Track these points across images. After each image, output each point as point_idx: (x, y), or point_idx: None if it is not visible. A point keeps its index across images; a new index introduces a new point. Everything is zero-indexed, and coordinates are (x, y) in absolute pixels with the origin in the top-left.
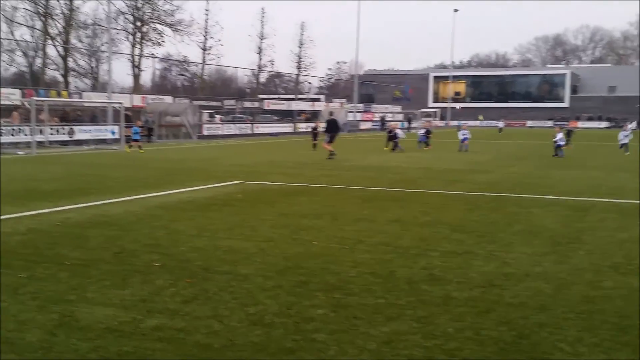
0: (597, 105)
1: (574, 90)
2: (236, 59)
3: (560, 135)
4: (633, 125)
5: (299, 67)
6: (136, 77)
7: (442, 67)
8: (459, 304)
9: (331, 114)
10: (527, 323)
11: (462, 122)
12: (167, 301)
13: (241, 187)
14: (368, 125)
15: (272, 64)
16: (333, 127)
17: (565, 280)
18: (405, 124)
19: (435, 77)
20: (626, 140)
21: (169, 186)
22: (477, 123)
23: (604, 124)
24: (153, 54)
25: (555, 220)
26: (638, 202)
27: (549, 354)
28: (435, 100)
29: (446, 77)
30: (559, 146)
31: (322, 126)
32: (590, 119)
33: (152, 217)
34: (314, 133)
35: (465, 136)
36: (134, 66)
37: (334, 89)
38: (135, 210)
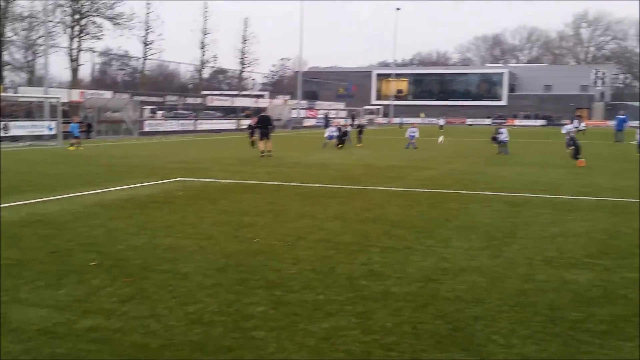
0: (534, 103)
1: (512, 89)
2: (179, 54)
3: (504, 131)
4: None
5: (242, 63)
6: (74, 71)
7: (385, 65)
8: (398, 298)
9: (264, 109)
10: (463, 316)
11: (412, 120)
12: (103, 301)
13: (182, 184)
14: (312, 122)
15: (215, 60)
16: (263, 124)
17: (500, 274)
18: (349, 121)
19: (378, 74)
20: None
21: (108, 184)
22: (418, 120)
23: (540, 122)
24: (92, 48)
25: (491, 215)
26: (638, 201)
27: (482, 346)
28: (378, 98)
29: (389, 75)
30: (503, 142)
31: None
32: (527, 117)
33: (89, 215)
34: (251, 130)
35: (413, 134)
36: (72, 60)
37: (278, 85)
38: (71, 209)
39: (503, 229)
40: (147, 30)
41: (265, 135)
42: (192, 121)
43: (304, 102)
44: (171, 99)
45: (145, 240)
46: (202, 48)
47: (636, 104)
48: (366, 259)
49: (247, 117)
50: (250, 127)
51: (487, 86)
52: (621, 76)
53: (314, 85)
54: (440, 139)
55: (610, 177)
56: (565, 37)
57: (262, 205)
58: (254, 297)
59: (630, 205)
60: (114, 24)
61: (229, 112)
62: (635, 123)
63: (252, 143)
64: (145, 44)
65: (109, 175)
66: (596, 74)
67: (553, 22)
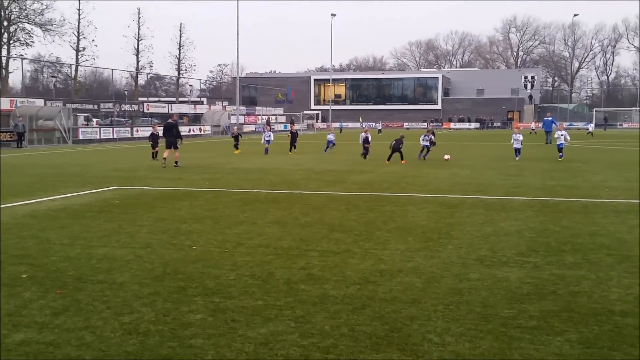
0: (467, 107)
1: (446, 92)
2: (113, 60)
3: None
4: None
5: (179, 70)
6: (3, 79)
7: (323, 70)
8: (336, 301)
9: (171, 116)
10: (399, 317)
11: (351, 125)
12: (35, 314)
13: (118, 192)
14: (251, 127)
15: (151, 66)
16: (167, 132)
17: (435, 274)
18: (288, 126)
19: (316, 80)
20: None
21: (40, 193)
22: (357, 125)
23: (473, 125)
24: (22, 55)
25: (427, 217)
26: (637, 201)
27: (418, 345)
28: (317, 103)
29: (327, 80)
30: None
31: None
32: (461, 120)
33: (20, 226)
34: (153, 139)
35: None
36: (0, 68)
37: (216, 91)
38: (1, 220)
39: (438, 230)
40: (78, 36)
41: (170, 144)
42: (128, 128)
43: (242, 108)
44: (106, 106)
45: (79, 250)
46: (137, 54)
47: (565, 106)
48: (305, 263)
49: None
50: (152, 135)
51: (423, 90)
52: (550, 79)
53: (252, 91)
54: (447, 156)
55: (539, 178)
56: (495, 42)
57: (200, 212)
58: (192, 305)
59: (559, 204)
60: (44, 31)
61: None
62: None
63: (154, 154)
64: (78, 50)
65: (42, 185)
66: (525, 77)
67: (484, 28)
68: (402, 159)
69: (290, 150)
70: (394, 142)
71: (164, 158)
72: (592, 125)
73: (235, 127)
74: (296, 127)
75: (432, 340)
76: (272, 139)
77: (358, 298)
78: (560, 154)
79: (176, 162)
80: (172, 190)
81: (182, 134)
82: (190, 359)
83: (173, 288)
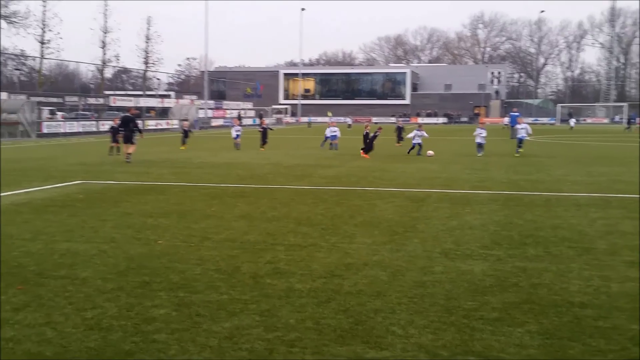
0: (435, 102)
1: (414, 88)
2: (79, 53)
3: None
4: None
5: (146, 63)
6: None
7: (292, 64)
8: (302, 295)
9: (129, 109)
10: (364, 310)
11: (320, 119)
12: None
13: (83, 187)
14: (220, 122)
15: (118, 59)
16: (124, 126)
17: (401, 267)
18: (257, 120)
19: (286, 74)
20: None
21: (3, 188)
22: (326, 119)
23: (441, 120)
24: None
25: (394, 211)
26: (638, 197)
27: (382, 338)
28: (286, 97)
29: (296, 75)
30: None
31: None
32: (429, 115)
33: None
34: (113, 132)
35: (334, 133)
36: None
37: (184, 85)
38: None
39: (405, 224)
40: (43, 29)
41: (127, 139)
42: (94, 122)
43: (211, 102)
44: (71, 99)
45: (41, 245)
46: (103, 47)
47: (530, 101)
48: (271, 257)
49: (137, 116)
50: (112, 129)
51: (391, 85)
52: (516, 75)
53: (221, 85)
54: (430, 152)
55: (504, 172)
56: (463, 37)
57: (166, 206)
58: (156, 300)
59: (523, 198)
60: (9, 23)
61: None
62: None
63: (111, 148)
64: (42, 43)
65: (4, 179)
66: (492, 73)
67: (452, 23)
68: (367, 152)
69: (262, 147)
70: (370, 135)
71: (128, 154)
72: (574, 120)
73: (186, 123)
74: (266, 121)
75: (396, 332)
76: (241, 133)
77: (324, 291)
78: (519, 147)
79: (127, 156)
80: (138, 185)
81: (147, 127)
82: (153, 354)
83: (137, 283)
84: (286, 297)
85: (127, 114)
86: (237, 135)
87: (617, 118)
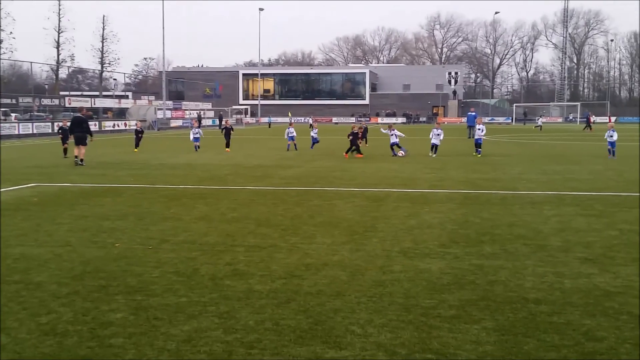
0: (394, 102)
1: (373, 88)
2: (32, 53)
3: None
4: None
5: (102, 63)
6: None
7: (252, 65)
8: (261, 296)
9: (80, 110)
10: (324, 310)
11: (280, 120)
12: None
13: (37, 189)
14: (179, 122)
15: (73, 59)
16: (76, 127)
17: (360, 266)
18: (217, 121)
19: (245, 74)
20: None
21: None
22: (286, 120)
23: (400, 120)
24: None
25: (354, 210)
26: (553, 193)
27: (341, 337)
28: (246, 98)
29: (255, 75)
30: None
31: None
32: (388, 115)
33: None
34: (62, 134)
35: (292, 134)
36: None
37: (142, 85)
38: None
39: (364, 224)
40: None
41: (78, 140)
42: (49, 123)
43: (169, 102)
44: (25, 100)
45: None
46: (58, 47)
47: (487, 101)
48: (231, 259)
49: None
50: (61, 130)
51: (351, 85)
52: (473, 75)
53: (179, 85)
54: (402, 152)
55: (462, 171)
56: (420, 38)
57: (124, 208)
58: (112, 304)
59: (480, 197)
60: None
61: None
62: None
63: (65, 150)
64: None
65: None
66: (450, 73)
67: (409, 24)
68: (359, 151)
69: (227, 147)
70: (351, 135)
71: (76, 156)
72: (542, 119)
73: (139, 123)
74: (230, 122)
75: (355, 331)
76: (201, 135)
77: (283, 292)
78: (479, 149)
79: (81, 160)
80: (94, 187)
81: (104, 129)
82: (110, 359)
83: (93, 287)
84: (245, 299)
85: (78, 115)
86: (196, 138)
87: (570, 117)
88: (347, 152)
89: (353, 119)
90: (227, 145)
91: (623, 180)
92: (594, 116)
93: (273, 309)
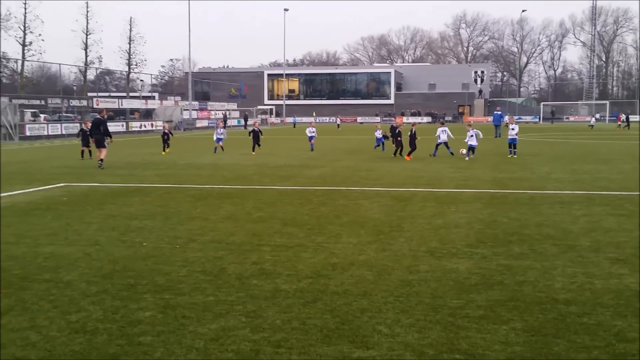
0: (419, 101)
1: (398, 87)
2: (61, 55)
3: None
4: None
5: (129, 64)
6: None
7: (277, 65)
8: (288, 295)
9: (100, 112)
10: (350, 309)
11: (306, 120)
12: None
13: (67, 189)
14: (204, 123)
15: (101, 61)
16: (95, 129)
17: (387, 266)
18: (242, 121)
19: (270, 75)
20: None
21: None
22: (311, 119)
23: (425, 119)
24: None
25: (380, 210)
26: (582, 192)
27: (368, 337)
28: (271, 98)
29: (280, 75)
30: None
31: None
32: (413, 114)
33: None
34: (83, 136)
35: (313, 134)
36: None
37: (168, 86)
38: None
39: (390, 223)
40: (25, 30)
41: (99, 143)
42: (77, 124)
43: (195, 103)
44: (54, 101)
45: (25, 249)
46: (86, 49)
47: (514, 100)
48: (257, 258)
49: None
50: (82, 132)
51: (376, 85)
52: (499, 74)
53: (205, 86)
54: (463, 150)
55: (489, 170)
56: (446, 37)
57: (151, 208)
58: (141, 302)
59: (507, 196)
60: None
61: (117, 114)
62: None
63: (82, 152)
64: (24, 45)
65: None
66: (475, 72)
67: (435, 23)
68: (409, 154)
69: (253, 150)
70: (408, 137)
71: (101, 159)
72: (594, 118)
73: (167, 125)
74: (258, 123)
75: (382, 331)
76: (225, 136)
77: (310, 292)
78: (513, 150)
79: (100, 161)
80: (122, 187)
81: (131, 129)
82: (139, 357)
83: (122, 285)
84: (272, 298)
85: (98, 117)
86: (219, 139)
87: (598, 116)
88: (409, 154)
89: (378, 119)
90: (254, 149)
91: None
92: (622, 115)
93: (300, 309)
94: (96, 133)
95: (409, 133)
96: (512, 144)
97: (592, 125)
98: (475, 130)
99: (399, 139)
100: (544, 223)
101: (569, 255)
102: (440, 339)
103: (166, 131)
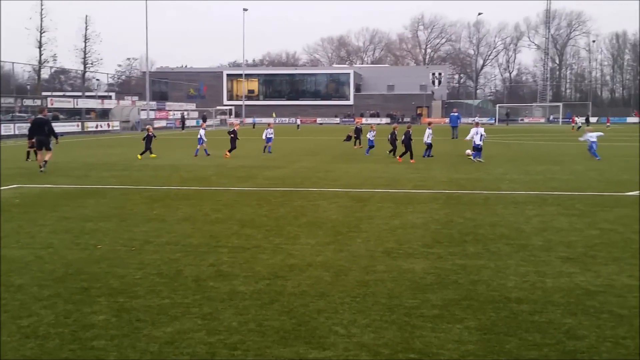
0: (378, 102)
1: (358, 88)
2: (14, 53)
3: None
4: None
5: (85, 63)
6: None
7: (236, 65)
8: (245, 297)
9: (41, 111)
10: (307, 310)
11: (265, 120)
12: None
13: (19, 191)
14: (163, 123)
15: (55, 60)
16: (37, 130)
17: (344, 267)
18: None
19: (229, 75)
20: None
21: None
22: (271, 120)
23: (384, 120)
24: None
25: (338, 211)
26: (535, 193)
27: (325, 338)
28: (230, 98)
29: (240, 76)
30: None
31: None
32: (372, 115)
33: None
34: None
35: (270, 136)
36: None
37: (125, 86)
38: None
39: (348, 224)
40: None
41: (40, 144)
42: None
43: (153, 103)
44: (7, 101)
45: None
46: (40, 47)
47: (470, 101)
48: (214, 260)
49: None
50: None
51: (335, 86)
52: (456, 76)
53: (163, 85)
54: (468, 151)
55: (445, 171)
56: (404, 39)
57: (107, 210)
58: (94, 306)
59: (463, 197)
60: None
61: (72, 114)
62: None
63: (28, 153)
64: None
65: None
66: (433, 74)
67: (393, 25)
68: (411, 157)
69: (230, 152)
70: (403, 137)
71: (44, 161)
72: (581, 119)
73: (150, 127)
74: (237, 123)
75: (338, 332)
76: (204, 139)
77: (267, 293)
78: (477, 153)
79: (43, 164)
80: (77, 189)
81: (87, 130)
82: None
83: (75, 289)
84: (229, 300)
85: (40, 116)
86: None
87: (552, 117)
88: (401, 156)
89: (337, 120)
90: (230, 150)
91: (604, 180)
92: (576, 117)
93: (257, 310)
94: (39, 134)
95: (390, 134)
96: (477, 147)
97: (580, 126)
98: (476, 129)
99: (410, 142)
100: (498, 223)
101: (522, 255)
102: (395, 338)
103: (150, 134)
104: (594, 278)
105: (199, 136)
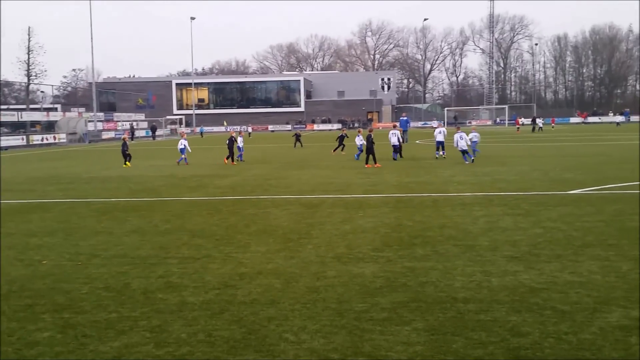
0: (329, 108)
1: (308, 95)
2: None
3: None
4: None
5: (29, 76)
6: None
7: (185, 74)
8: (194, 308)
9: None
10: (257, 319)
11: (214, 129)
12: None
13: None
14: (111, 134)
15: None
16: None
17: (294, 273)
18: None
19: (178, 84)
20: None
21: None
22: (222, 129)
23: (336, 126)
24: None
25: (289, 218)
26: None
27: (275, 345)
28: (180, 107)
29: (189, 84)
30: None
31: None
32: (324, 121)
33: None
34: None
35: (182, 147)
36: None
37: (71, 97)
38: None
39: (299, 231)
40: None
41: None
42: None
43: (100, 114)
44: None
45: None
46: None
47: (419, 106)
48: (163, 272)
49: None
50: None
51: (286, 93)
52: (405, 81)
53: (110, 96)
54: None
55: (395, 175)
56: (353, 45)
57: (52, 224)
58: (39, 323)
59: (412, 200)
60: None
61: (17, 127)
62: (419, 124)
63: None
64: None
65: None
66: (383, 79)
67: (342, 32)
68: (375, 161)
69: (234, 160)
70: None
71: None
72: (541, 120)
73: (125, 136)
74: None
75: (289, 339)
76: (188, 149)
77: (217, 303)
78: (442, 151)
79: None
80: (21, 203)
81: (32, 143)
82: None
83: (19, 306)
84: (178, 312)
85: None
86: (182, 149)
87: (498, 120)
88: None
89: (289, 127)
90: (229, 157)
91: (548, 180)
92: (520, 119)
93: (206, 321)
94: None
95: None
96: (462, 150)
97: (541, 128)
98: (471, 133)
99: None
100: (446, 225)
101: (469, 255)
102: (345, 343)
103: (126, 142)
104: (537, 276)
105: (182, 146)
